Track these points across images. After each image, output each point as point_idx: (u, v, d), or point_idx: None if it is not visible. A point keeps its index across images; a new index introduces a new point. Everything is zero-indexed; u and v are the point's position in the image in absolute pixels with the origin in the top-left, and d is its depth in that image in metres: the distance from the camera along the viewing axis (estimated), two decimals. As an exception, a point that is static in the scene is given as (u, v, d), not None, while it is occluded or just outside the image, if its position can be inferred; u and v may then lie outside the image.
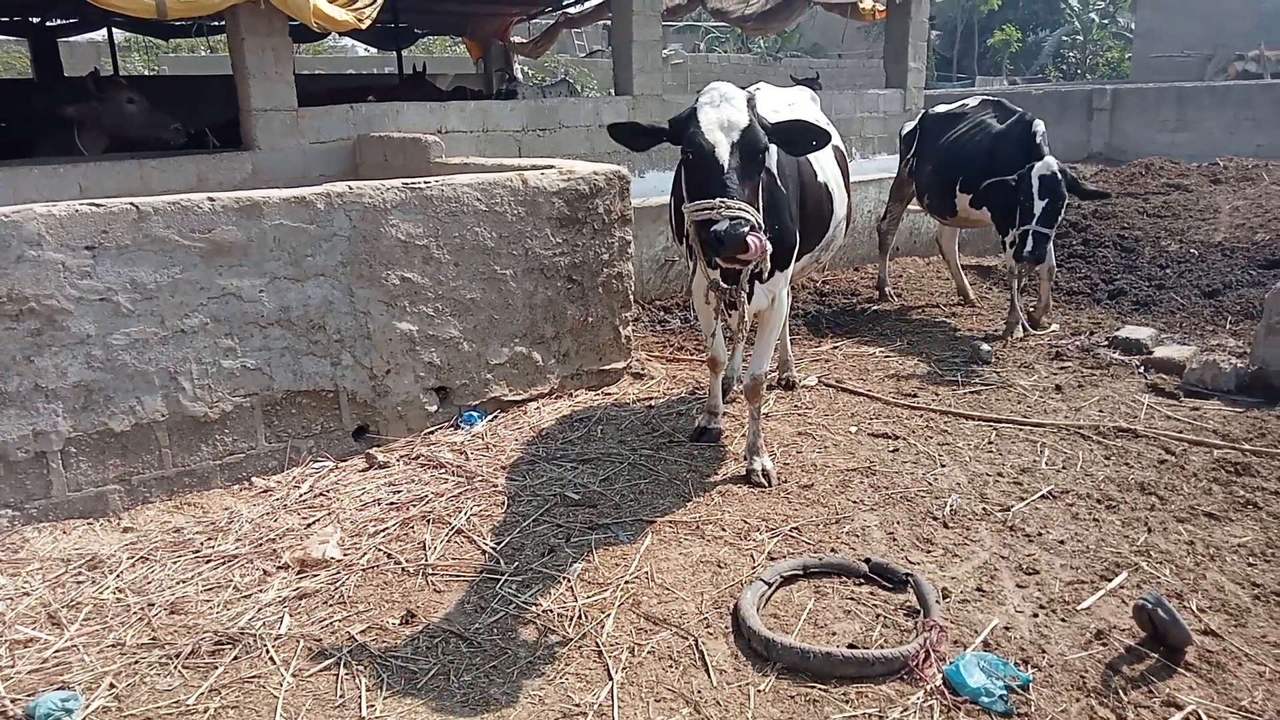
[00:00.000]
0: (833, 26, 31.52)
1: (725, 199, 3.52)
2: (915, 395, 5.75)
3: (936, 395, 5.76)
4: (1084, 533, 4.04)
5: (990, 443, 5.01)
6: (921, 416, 5.40)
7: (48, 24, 14.05)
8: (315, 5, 7.54)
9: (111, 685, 3.16)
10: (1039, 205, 6.28)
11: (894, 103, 12.71)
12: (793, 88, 5.54)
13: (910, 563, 3.80)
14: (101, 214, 4.15)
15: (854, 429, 5.23)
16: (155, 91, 14.37)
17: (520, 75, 14.92)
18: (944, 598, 3.53)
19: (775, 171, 4.22)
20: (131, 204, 4.24)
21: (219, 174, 7.65)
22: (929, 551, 3.92)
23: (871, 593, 3.60)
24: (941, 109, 7.80)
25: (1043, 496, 4.37)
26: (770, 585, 3.59)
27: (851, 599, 3.57)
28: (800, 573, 3.70)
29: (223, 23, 10.21)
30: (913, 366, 6.31)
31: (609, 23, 15.48)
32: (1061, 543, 3.95)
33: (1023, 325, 6.81)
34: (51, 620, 3.56)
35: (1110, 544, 3.93)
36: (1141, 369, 6.02)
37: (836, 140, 5.05)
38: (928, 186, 7.54)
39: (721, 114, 3.71)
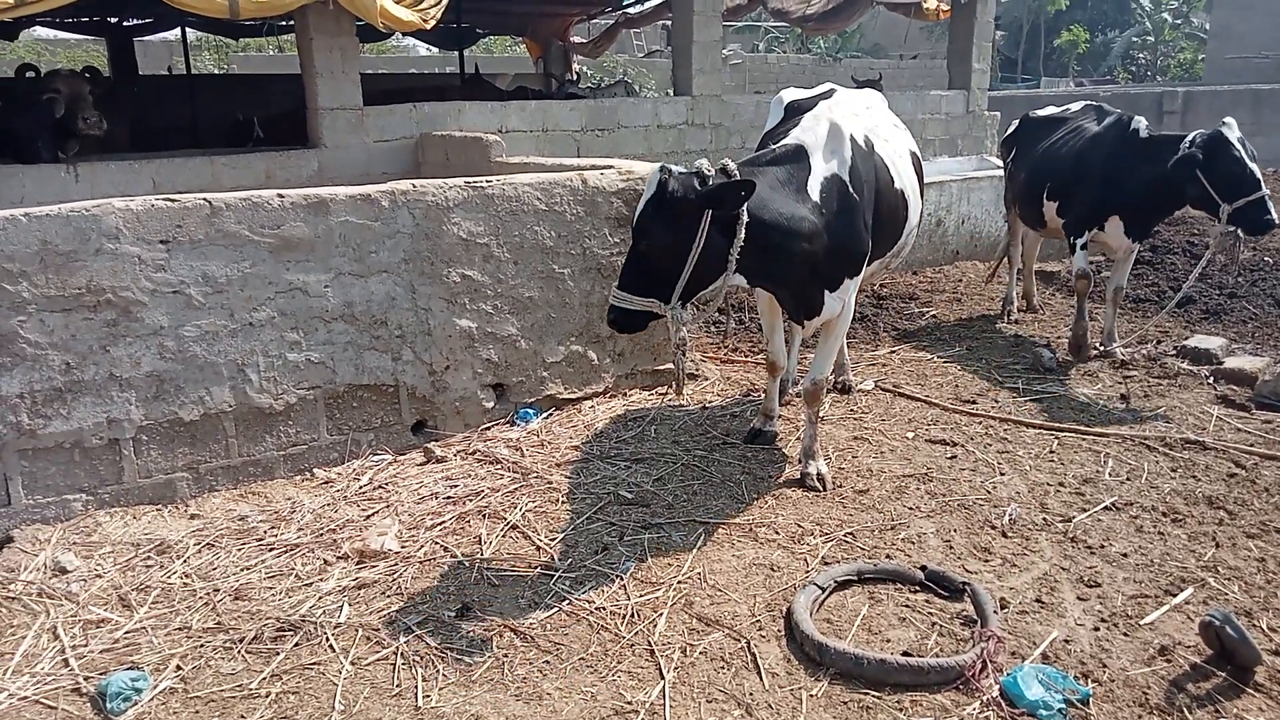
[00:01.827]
0: (895, 26, 31.13)
1: (617, 289, 3.75)
2: (974, 401, 5.66)
3: (996, 402, 5.66)
4: (1148, 546, 3.94)
5: (1052, 452, 4.91)
6: (981, 423, 5.32)
7: (124, 24, 14.52)
8: (382, 6, 7.69)
9: (178, 667, 3.26)
10: (1254, 168, 5.52)
11: (956, 104, 12.53)
12: (864, 91, 5.36)
13: (967, 571, 3.75)
14: (176, 209, 4.28)
15: (911, 434, 5.17)
16: (218, 88, 14.75)
17: (578, 75, 14.99)
18: (1001, 608, 3.48)
19: (848, 179, 4.18)
20: (204, 199, 4.36)
21: (286, 171, 7.84)
22: (987, 561, 3.86)
23: (927, 601, 3.56)
24: (1043, 112, 7.47)
25: (1106, 508, 4.28)
26: (824, 590, 3.57)
27: (906, 606, 3.53)
28: (854, 578, 3.67)
29: (292, 23, 10.46)
30: (972, 372, 6.22)
31: (668, 23, 15.51)
32: (1125, 555, 3.86)
33: (1090, 343, 6.53)
34: (122, 602, 3.68)
35: (1176, 558, 3.83)
36: (1211, 380, 5.85)
37: (912, 145, 5.05)
38: (1018, 194, 7.26)
39: (641, 201, 3.70)
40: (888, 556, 3.89)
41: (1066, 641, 3.29)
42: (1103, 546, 3.94)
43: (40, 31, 18.63)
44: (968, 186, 9.41)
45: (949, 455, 4.89)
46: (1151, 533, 4.05)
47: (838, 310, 4.42)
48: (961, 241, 9.43)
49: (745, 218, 3.66)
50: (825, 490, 4.47)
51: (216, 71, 22.24)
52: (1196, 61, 35.26)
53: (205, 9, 7.50)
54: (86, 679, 3.19)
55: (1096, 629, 3.37)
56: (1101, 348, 6.43)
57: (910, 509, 4.31)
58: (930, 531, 4.09)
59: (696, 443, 5.09)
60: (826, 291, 4.25)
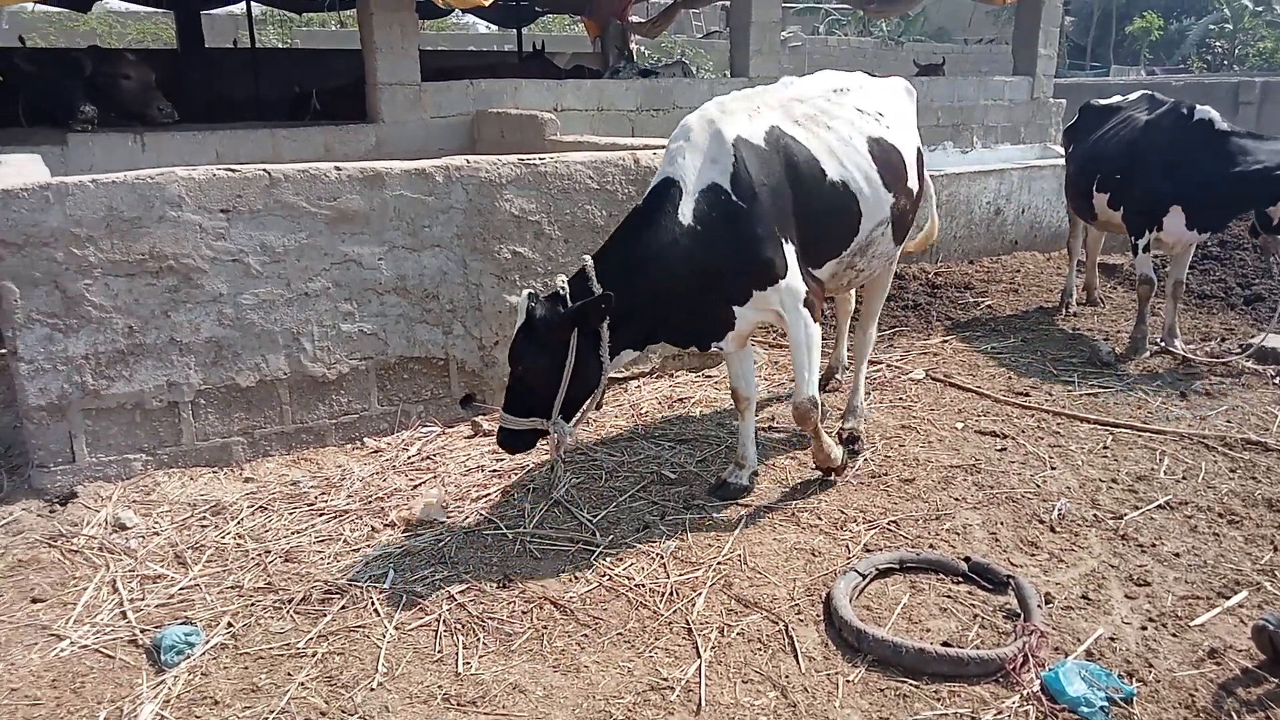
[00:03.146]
0: (960, 10, 30.48)
1: (503, 410, 3.82)
2: (1027, 394, 5.56)
3: (1050, 395, 5.56)
4: (1202, 547, 3.85)
5: (1105, 447, 4.81)
6: (1033, 416, 5.22)
7: (192, -3, 14.79)
8: (442, -18, 7.72)
9: (229, 624, 3.36)
10: None
11: (1020, 90, 12.25)
12: (889, 80, 4.88)
13: (1012, 565, 3.70)
14: (237, 179, 4.37)
15: (960, 425, 5.10)
16: (277, 62, 14.97)
17: (635, 54, 14.93)
18: (1046, 602, 3.43)
19: (729, 186, 3.78)
20: (264, 170, 4.44)
21: (345, 145, 7.95)
22: (1033, 555, 3.80)
23: (970, 592, 3.52)
24: (1104, 101, 7.27)
25: (1159, 506, 4.18)
26: (865, 577, 3.55)
27: (948, 597, 3.50)
28: (896, 567, 3.64)
29: (352, -2, 10.57)
30: (1026, 364, 6.11)
31: (728, 3, 15.36)
32: (1177, 555, 3.78)
33: (1151, 343, 6.35)
34: (178, 559, 3.80)
35: (1230, 560, 3.74)
36: (1277, 380, 5.67)
37: (887, 134, 4.36)
38: (1069, 185, 7.09)
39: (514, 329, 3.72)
40: (931, 546, 3.85)
41: (1112, 639, 3.24)
42: (1154, 545, 3.86)
43: (112, 4, 19.12)
44: (1029, 175, 9.21)
45: (998, 447, 4.82)
46: (1206, 533, 3.96)
47: (750, 323, 4.01)
48: (1021, 231, 9.24)
49: (607, 319, 3.68)
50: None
51: (280, 46, 22.56)
52: (1278, 51, 33.96)
53: (270, -17, 7.60)
54: (142, 631, 3.31)
55: (1144, 628, 3.31)
56: (1162, 343, 6.27)
57: (956, 500, 4.26)
58: (976, 523, 4.04)
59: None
60: (734, 306, 3.90)
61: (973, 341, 6.61)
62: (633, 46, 15.65)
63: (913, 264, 8.53)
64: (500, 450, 3.94)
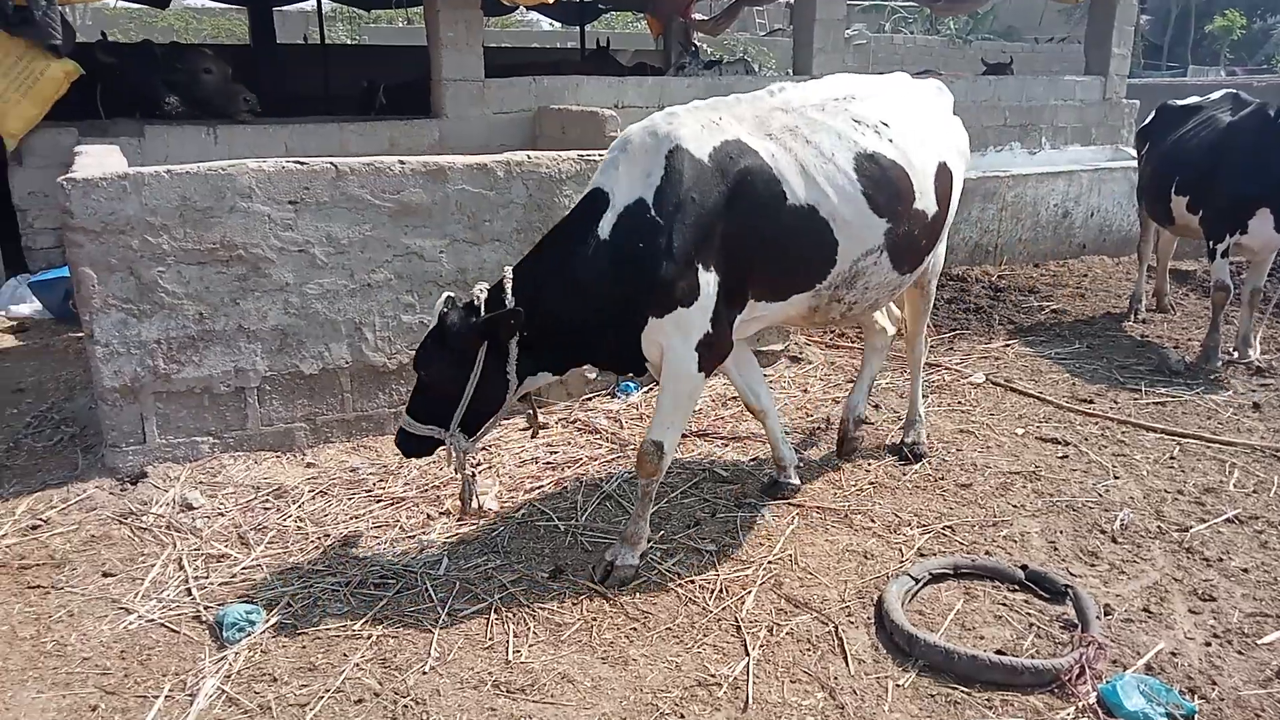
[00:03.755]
0: (1031, 8, 29.80)
1: (405, 413, 3.64)
2: (1091, 401, 5.43)
3: (1115, 403, 5.42)
4: (1272, 563, 3.72)
5: (1172, 458, 4.68)
6: (1096, 424, 5.10)
7: (266, -6, 15.16)
8: (507, -21, 7.79)
9: (288, 604, 3.45)
10: None
11: (1092, 90, 11.94)
12: (913, 84, 4.28)
13: (1071, 575, 3.62)
14: (305, 171, 4.47)
15: (1020, 431, 5.00)
16: (346, 58, 15.26)
17: (696, 50, 14.90)
18: (1105, 614, 3.35)
19: (651, 200, 3.38)
20: (331, 163, 4.54)
21: (409, 139, 8.08)
22: (1093, 565, 3.72)
23: (1026, 601, 3.46)
24: (1183, 101, 7.05)
25: (1227, 520, 4.06)
26: (918, 581, 3.51)
27: (1004, 605, 3.44)
28: (950, 572, 3.60)
29: (419, -5, 10.73)
30: (1091, 371, 5.96)
31: (792, 1, 15.25)
32: (1245, 571, 3.66)
33: (1224, 352, 6.14)
34: (241, 540, 3.91)
35: (1302, 578, 3.61)
36: (1357, 393, 5.46)
37: (895, 151, 3.79)
38: (1145, 187, 6.89)
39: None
40: (987, 553, 3.79)
41: (1174, 654, 3.15)
42: (1221, 560, 3.74)
43: (188, 0, 19.64)
44: (1099, 177, 8.99)
45: (1060, 454, 4.71)
46: (1277, 549, 3.83)
47: (656, 352, 3.52)
48: (1090, 235, 9.02)
49: (516, 335, 3.44)
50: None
51: (349, 42, 23.00)
52: (1367, 51, 32.59)
53: (340, -20, 7.76)
54: (206, 608, 3.41)
55: (1208, 644, 3.21)
56: (1234, 353, 6.07)
57: (1015, 506, 4.18)
58: (1034, 531, 3.97)
59: (796, 425, 5.05)
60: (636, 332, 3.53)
61: (1036, 346, 6.48)
62: (696, 44, 15.63)
63: (975, 267, 8.39)
64: (399, 451, 3.70)
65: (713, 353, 3.54)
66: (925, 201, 3.90)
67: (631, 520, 3.69)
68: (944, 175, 4.04)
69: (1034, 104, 11.58)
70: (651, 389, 5.53)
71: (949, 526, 4.00)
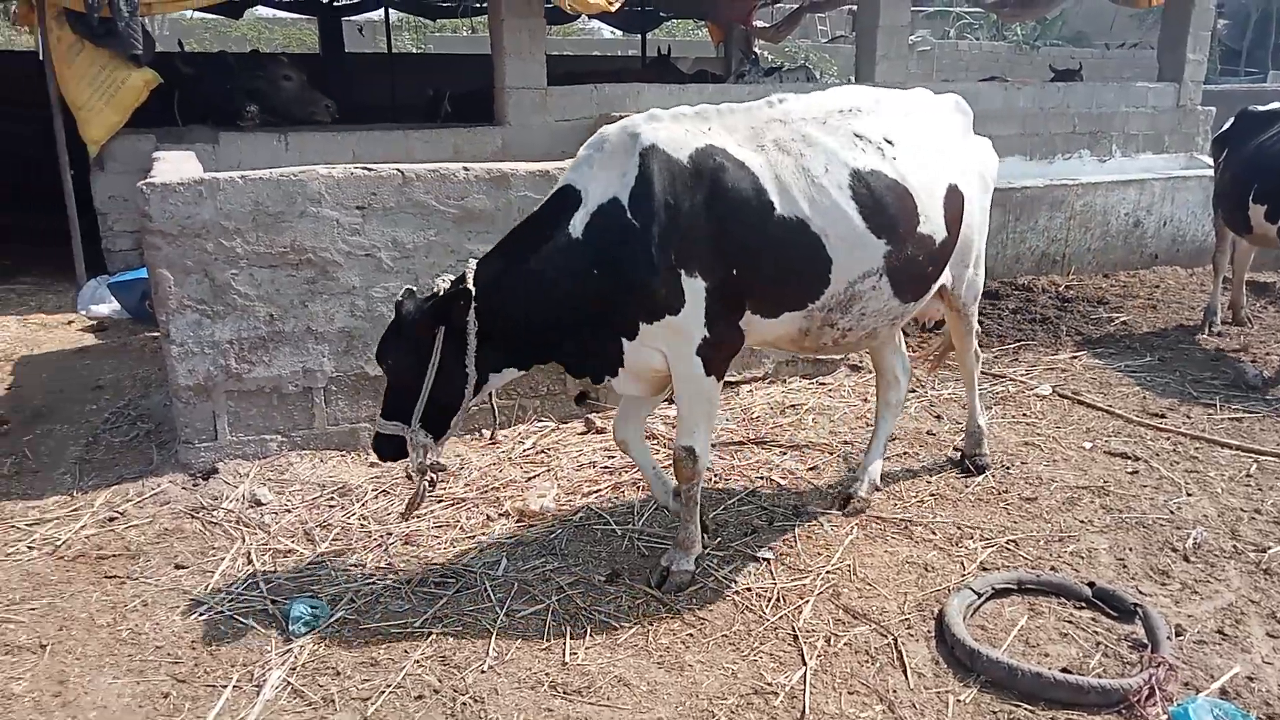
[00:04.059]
0: (1101, 13, 29.09)
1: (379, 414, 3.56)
2: (1163, 415, 5.28)
3: (1188, 418, 5.26)
4: (1356, 587, 3.58)
5: (1249, 476, 4.52)
6: (1168, 439, 4.96)
7: (334, 4, 15.53)
8: (570, -13, 7.87)
9: (352, 600, 3.52)
10: None
11: (1165, 97, 11.62)
12: (928, 99, 4.05)
13: (1141, 593, 3.52)
14: (372, 178, 4.57)
15: (1088, 445, 4.88)
16: (412, 66, 15.55)
17: (757, 57, 14.87)
18: (1176, 635, 3.25)
19: (626, 202, 3.30)
20: (398, 170, 4.63)
21: (473, 146, 8.19)
22: (1164, 584, 3.61)
23: (1093, 619, 3.38)
24: (1264, 107, 6.79)
25: (1308, 541, 3.91)
26: (980, 595, 3.45)
27: (1069, 622, 3.36)
28: (1014, 587, 3.52)
29: (485, 4, 10.89)
30: (1163, 384, 5.80)
31: (855, 8, 15.14)
32: (1326, 594, 3.53)
33: None
34: (307, 536, 4.00)
35: (1388, 603, 3.47)
36: None
37: (897, 170, 3.58)
38: (1223, 195, 6.69)
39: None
40: (1052, 569, 3.71)
41: (1250, 679, 3.05)
42: (1300, 582, 3.61)
43: (261, 10, 20.21)
44: (1172, 186, 8.74)
45: (1129, 470, 4.59)
46: (1361, 573, 3.68)
47: (646, 362, 3.46)
48: (1162, 245, 8.78)
49: (473, 324, 3.34)
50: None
51: (414, 51, 23.42)
52: None
53: (409, -11, 7.92)
54: (273, 602, 3.50)
55: (1286, 669, 3.10)
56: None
57: (1081, 522, 4.08)
58: (1102, 547, 3.87)
59: (855, 434, 5.00)
60: (624, 340, 3.42)
61: (1105, 358, 6.32)
62: (757, 51, 15.60)
63: (1042, 276, 8.22)
64: (375, 454, 3.63)
65: (718, 355, 3.46)
66: (931, 225, 3.68)
67: (681, 525, 3.67)
68: (954, 198, 3.80)
69: (1104, 111, 11.31)
70: (709, 396, 5.53)
71: (1012, 541, 3.92)
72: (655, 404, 3.93)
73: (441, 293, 3.37)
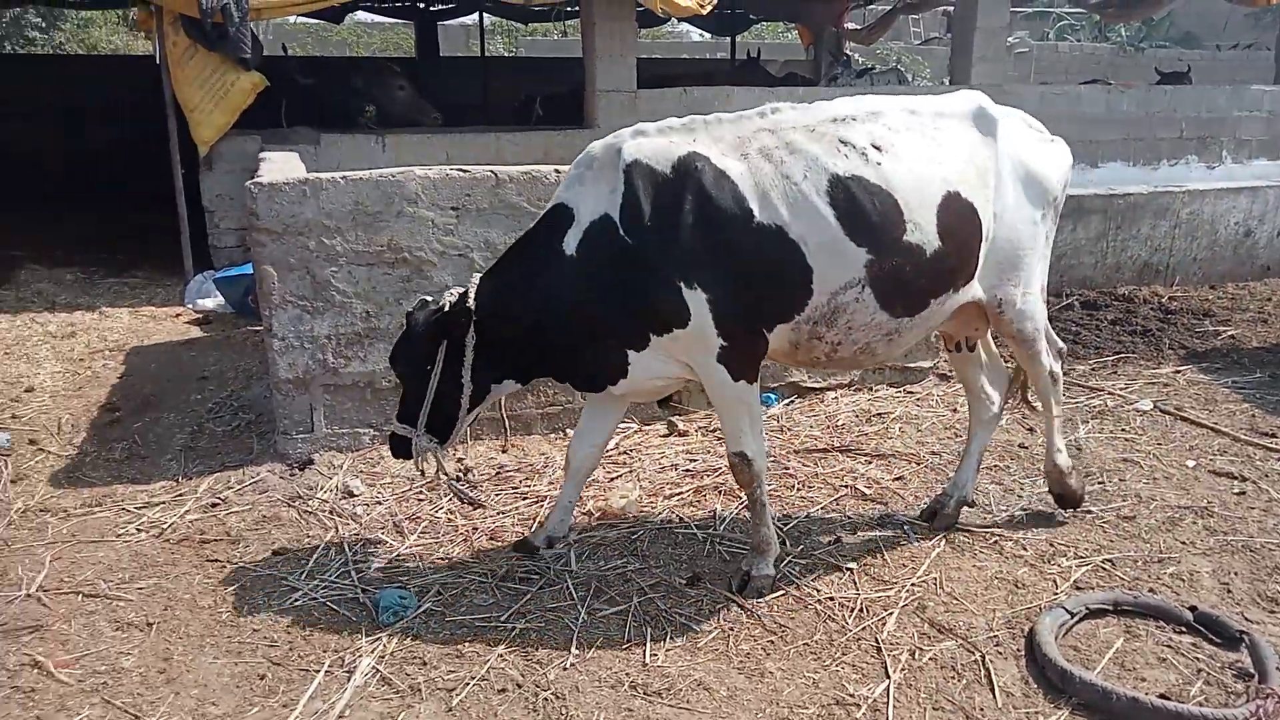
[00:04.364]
0: (1212, 13, 27.84)
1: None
2: (1273, 435, 5.03)
3: (1301, 438, 5.00)
4: None
5: (1367, 501, 4.28)
6: (1279, 459, 4.73)
7: (430, 9, 15.90)
8: (662, -9, 7.91)
9: (438, 592, 3.60)
10: None
11: (1283, 101, 11.08)
12: (964, 105, 3.76)
13: (1247, 620, 3.37)
14: (466, 179, 4.67)
15: (1191, 463, 4.68)
16: (504, 70, 15.87)
17: (849, 59, 14.68)
18: (1286, 666, 3.10)
19: (618, 218, 3.31)
20: (491, 172, 4.72)
21: (563, 149, 8.29)
22: (1273, 612, 3.45)
23: (1194, 645, 3.24)
24: None
25: None
26: (1073, 615, 3.34)
27: (1168, 647, 3.23)
28: (1109, 608, 3.41)
29: (577, 8, 11.01)
30: (1273, 402, 5.52)
31: (950, 9, 14.82)
32: None
33: None
34: (396, 529, 4.11)
35: None
36: None
37: (881, 176, 3.41)
38: None
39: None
40: (1151, 590, 3.57)
41: (1366, 715, 2.89)
42: None
43: (360, 15, 20.81)
44: (1288, 194, 8.33)
45: (1236, 490, 4.39)
46: None
47: (657, 372, 3.49)
48: (1275, 255, 8.37)
49: (472, 339, 3.48)
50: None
51: (506, 55, 23.83)
52: None
53: (505, -6, 8.07)
54: (364, 591, 3.61)
55: (1407, 708, 2.93)
56: None
57: (1183, 543, 3.92)
58: (1205, 571, 3.71)
59: (943, 445, 4.90)
60: (630, 351, 3.44)
61: (1211, 374, 6.05)
62: (848, 53, 15.40)
63: (1144, 286, 7.92)
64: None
65: (742, 360, 3.43)
66: (921, 235, 3.44)
67: (753, 529, 3.65)
68: (953, 207, 3.51)
69: (1214, 115, 10.84)
70: (793, 400, 5.49)
71: (1109, 560, 3.79)
72: (616, 422, 3.93)
73: (447, 307, 3.50)
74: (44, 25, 22.19)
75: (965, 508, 4.15)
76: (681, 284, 3.30)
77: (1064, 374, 5.76)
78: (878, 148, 3.45)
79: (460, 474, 4.19)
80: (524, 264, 3.53)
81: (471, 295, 3.50)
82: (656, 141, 3.39)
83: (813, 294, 3.40)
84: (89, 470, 4.66)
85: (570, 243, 3.40)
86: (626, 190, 3.31)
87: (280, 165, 5.45)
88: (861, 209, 3.37)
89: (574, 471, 3.89)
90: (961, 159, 3.58)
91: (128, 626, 3.40)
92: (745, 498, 3.70)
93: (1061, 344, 4.23)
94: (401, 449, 3.68)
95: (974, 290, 3.71)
